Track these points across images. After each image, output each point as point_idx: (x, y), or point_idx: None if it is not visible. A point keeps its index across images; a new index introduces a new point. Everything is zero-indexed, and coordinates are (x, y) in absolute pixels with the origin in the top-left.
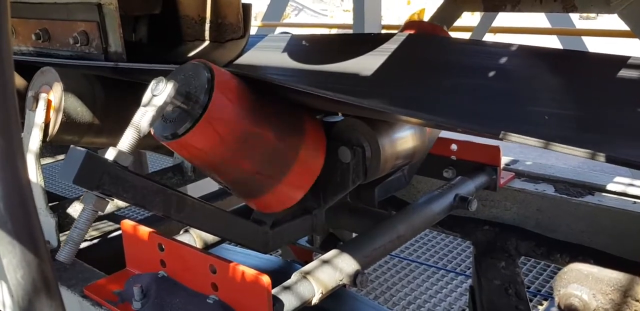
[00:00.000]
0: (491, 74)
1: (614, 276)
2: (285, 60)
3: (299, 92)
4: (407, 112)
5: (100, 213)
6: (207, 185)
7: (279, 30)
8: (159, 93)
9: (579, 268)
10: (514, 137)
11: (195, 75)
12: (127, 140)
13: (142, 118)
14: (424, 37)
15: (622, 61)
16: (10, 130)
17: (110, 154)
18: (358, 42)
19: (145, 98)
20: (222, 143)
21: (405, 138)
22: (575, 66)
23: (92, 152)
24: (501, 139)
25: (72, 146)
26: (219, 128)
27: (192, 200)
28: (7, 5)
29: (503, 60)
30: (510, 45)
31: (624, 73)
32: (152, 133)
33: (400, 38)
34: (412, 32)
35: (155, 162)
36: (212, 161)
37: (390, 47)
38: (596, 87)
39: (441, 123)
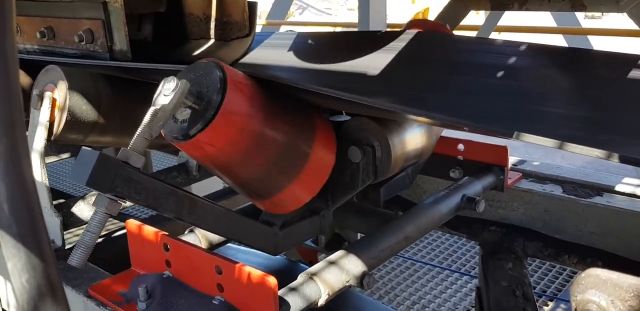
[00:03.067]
0: (501, 72)
1: (633, 283)
2: (291, 59)
3: (309, 92)
4: (418, 112)
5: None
6: (209, 184)
7: (283, 29)
8: (170, 93)
9: (597, 273)
10: (528, 137)
11: (206, 75)
12: (138, 141)
13: (154, 119)
14: (432, 35)
15: (633, 60)
16: (15, 131)
17: (122, 155)
18: (365, 40)
19: (156, 98)
20: (234, 144)
21: (414, 137)
22: (585, 64)
23: (105, 153)
24: (515, 139)
25: (83, 147)
26: (232, 129)
27: (203, 202)
28: (12, 4)
29: (512, 58)
30: (519, 43)
31: (635, 72)
32: (162, 133)
33: (407, 36)
34: (416, 30)
35: (160, 160)
36: (223, 162)
37: (398, 45)
38: (607, 86)
39: (453, 122)
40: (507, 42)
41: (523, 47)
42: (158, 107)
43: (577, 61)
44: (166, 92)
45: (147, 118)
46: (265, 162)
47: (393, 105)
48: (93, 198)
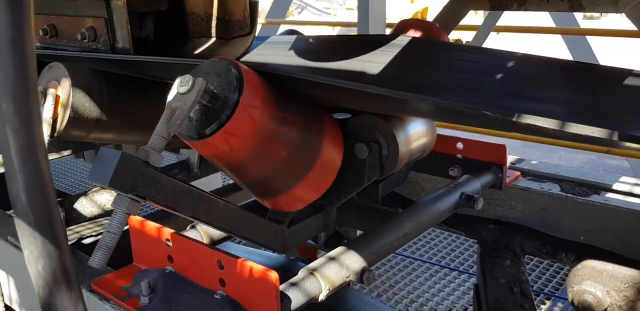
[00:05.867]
0: (492, 78)
1: (628, 274)
2: (290, 58)
3: (318, 86)
4: (426, 98)
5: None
6: (209, 182)
7: (282, 28)
8: (187, 91)
9: (593, 265)
10: (528, 118)
11: (221, 73)
12: (156, 139)
13: (171, 118)
14: (430, 41)
15: (627, 73)
16: (32, 124)
17: (142, 155)
18: (364, 43)
19: (172, 96)
20: (249, 143)
21: (418, 132)
22: (576, 74)
23: (127, 153)
24: (514, 124)
25: (102, 147)
26: (247, 129)
27: (217, 200)
28: (30, 4)
29: (501, 65)
30: (515, 53)
31: (631, 81)
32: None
33: (401, 42)
34: (408, 31)
35: None
36: (236, 161)
37: (394, 49)
38: (602, 93)
39: (459, 108)
40: (500, 51)
41: (519, 57)
42: (175, 105)
43: (569, 72)
44: (182, 90)
45: (164, 117)
46: (277, 161)
47: (401, 92)
48: (95, 195)
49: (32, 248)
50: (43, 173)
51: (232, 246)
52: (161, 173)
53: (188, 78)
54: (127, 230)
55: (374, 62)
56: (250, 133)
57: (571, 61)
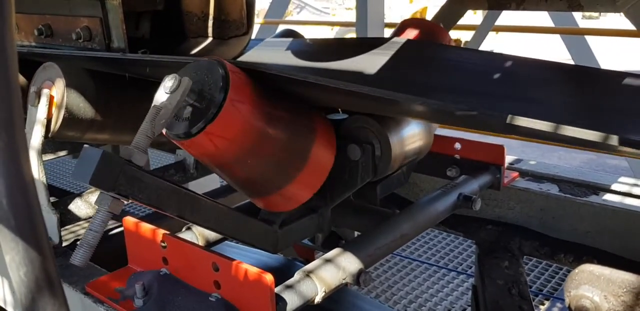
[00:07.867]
0: (488, 79)
1: (626, 278)
2: (286, 59)
3: (310, 86)
4: (417, 99)
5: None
6: (206, 182)
7: (281, 27)
8: (173, 91)
9: (590, 269)
10: (521, 120)
11: (208, 73)
12: (140, 138)
13: (156, 117)
14: (425, 43)
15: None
16: (13, 126)
17: (125, 153)
18: (359, 45)
19: (159, 96)
20: (236, 142)
21: (413, 135)
22: (565, 76)
23: (108, 151)
24: (509, 126)
25: (85, 146)
26: (234, 128)
27: (205, 200)
28: (11, 1)
29: (497, 67)
30: (512, 56)
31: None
32: (164, 132)
33: (396, 45)
34: (411, 31)
35: (156, 158)
36: (224, 160)
37: (388, 51)
38: (599, 96)
39: (449, 110)
40: (495, 54)
41: (516, 60)
42: (160, 104)
43: (566, 74)
44: (168, 89)
45: (149, 116)
46: (266, 160)
47: (394, 93)
48: (90, 196)
49: (13, 254)
50: (25, 177)
51: (230, 246)
52: (145, 172)
53: (174, 77)
54: (122, 231)
55: (368, 64)
56: (237, 132)
57: (568, 64)
